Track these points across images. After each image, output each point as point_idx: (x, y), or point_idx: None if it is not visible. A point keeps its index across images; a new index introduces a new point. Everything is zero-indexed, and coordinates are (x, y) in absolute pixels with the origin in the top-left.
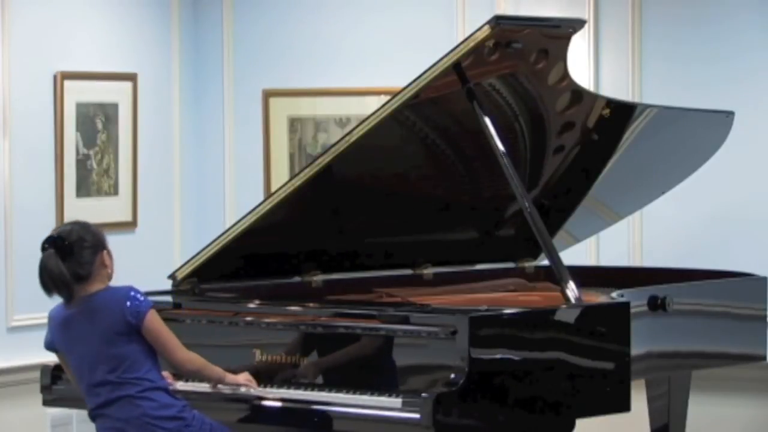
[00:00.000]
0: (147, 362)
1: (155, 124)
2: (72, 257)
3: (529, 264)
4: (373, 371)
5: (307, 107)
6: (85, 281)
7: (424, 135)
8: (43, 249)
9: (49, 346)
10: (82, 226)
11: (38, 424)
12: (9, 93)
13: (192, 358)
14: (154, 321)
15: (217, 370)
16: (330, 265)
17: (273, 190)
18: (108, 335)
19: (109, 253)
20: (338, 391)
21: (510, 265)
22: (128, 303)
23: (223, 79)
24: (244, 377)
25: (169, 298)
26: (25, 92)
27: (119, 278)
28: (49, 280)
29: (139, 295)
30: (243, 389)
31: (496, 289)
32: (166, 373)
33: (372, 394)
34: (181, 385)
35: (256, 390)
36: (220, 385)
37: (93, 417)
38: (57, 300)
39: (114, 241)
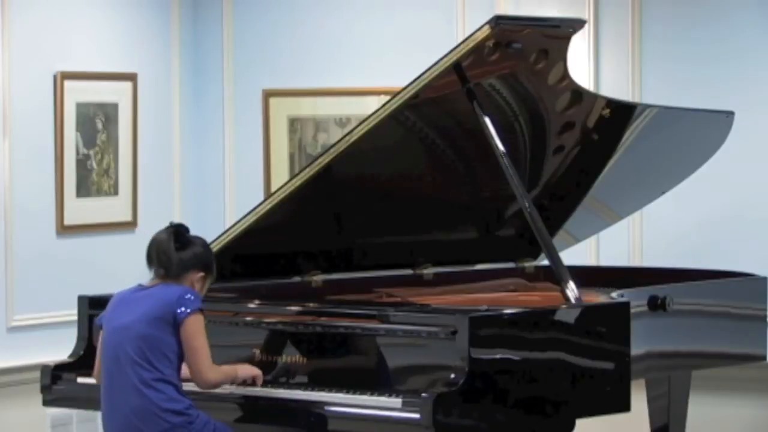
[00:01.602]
0: (170, 357)
1: (155, 124)
2: (179, 250)
3: (529, 264)
4: (373, 371)
5: (307, 107)
6: (171, 277)
7: (424, 135)
8: (167, 227)
9: (100, 320)
10: (204, 244)
11: (38, 424)
12: (9, 93)
13: (213, 375)
14: (195, 323)
15: (230, 374)
16: (330, 265)
17: (273, 190)
18: (151, 317)
19: (206, 281)
20: (338, 391)
21: (510, 265)
22: (182, 298)
23: (223, 79)
24: (252, 369)
25: None
26: (25, 92)
27: (119, 278)
28: (155, 251)
29: (193, 296)
30: (240, 389)
31: (496, 289)
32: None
33: (372, 394)
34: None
35: (255, 390)
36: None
37: (103, 399)
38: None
39: (114, 241)
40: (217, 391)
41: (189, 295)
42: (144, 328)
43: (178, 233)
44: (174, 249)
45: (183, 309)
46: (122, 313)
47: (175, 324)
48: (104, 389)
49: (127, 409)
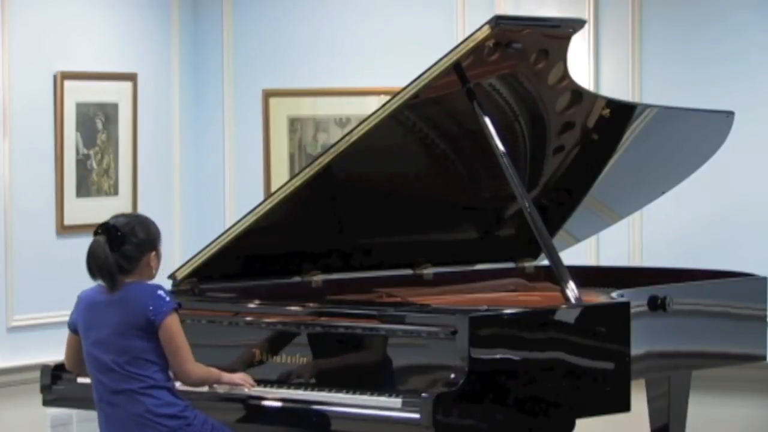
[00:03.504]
0: (156, 363)
1: (155, 124)
2: (120, 249)
3: (529, 264)
4: (373, 371)
5: (307, 107)
6: (128, 274)
7: (424, 135)
8: (95, 234)
9: (71, 325)
10: (139, 222)
11: (38, 424)
12: (9, 93)
13: (197, 371)
14: (172, 324)
15: (215, 374)
16: (330, 265)
17: (273, 190)
18: (124, 326)
19: (158, 255)
20: (338, 391)
21: (510, 265)
22: (153, 300)
23: (223, 79)
24: (240, 377)
25: None
26: (25, 92)
27: None
28: (95, 266)
29: (164, 295)
30: (240, 389)
31: (496, 289)
32: None
33: (372, 394)
34: (179, 385)
35: (255, 390)
36: (216, 385)
37: (98, 409)
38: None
39: None
40: (218, 391)
41: (160, 299)
42: (120, 340)
43: (108, 236)
44: (112, 255)
45: (157, 313)
46: (95, 322)
47: (151, 328)
48: (98, 401)
49: (125, 418)
